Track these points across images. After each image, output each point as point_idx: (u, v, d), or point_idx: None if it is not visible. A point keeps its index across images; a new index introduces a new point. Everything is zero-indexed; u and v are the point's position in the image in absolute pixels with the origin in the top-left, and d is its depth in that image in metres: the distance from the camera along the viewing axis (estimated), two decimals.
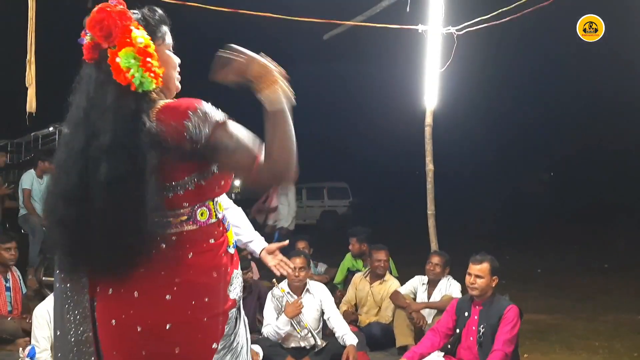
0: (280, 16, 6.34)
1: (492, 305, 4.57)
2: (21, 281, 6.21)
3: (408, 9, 6.67)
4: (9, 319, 5.78)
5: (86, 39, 1.86)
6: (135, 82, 1.81)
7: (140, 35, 1.85)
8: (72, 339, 1.93)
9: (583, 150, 28.35)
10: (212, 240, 1.97)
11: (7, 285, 5.97)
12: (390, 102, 24.84)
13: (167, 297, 1.85)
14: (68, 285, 1.95)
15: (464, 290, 5.21)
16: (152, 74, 1.85)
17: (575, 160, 28.75)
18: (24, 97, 5.13)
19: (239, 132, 1.88)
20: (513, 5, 6.07)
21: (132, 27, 1.84)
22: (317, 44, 8.36)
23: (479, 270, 4.59)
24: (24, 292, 6.20)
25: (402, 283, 6.13)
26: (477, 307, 4.63)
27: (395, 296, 5.79)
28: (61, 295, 1.97)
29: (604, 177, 24.94)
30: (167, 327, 1.86)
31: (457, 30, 6.64)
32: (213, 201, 1.99)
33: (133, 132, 1.79)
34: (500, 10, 6.23)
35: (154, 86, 1.86)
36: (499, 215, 19.94)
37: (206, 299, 1.91)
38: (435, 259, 5.80)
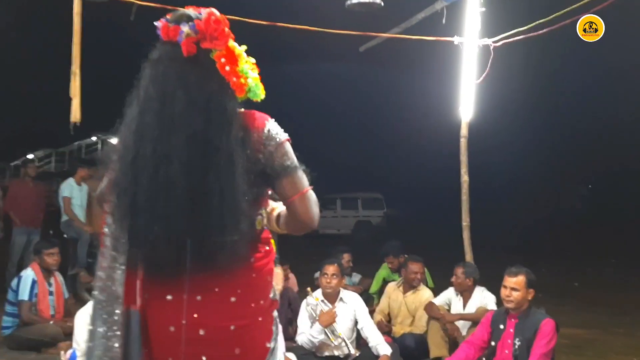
0: (316, 29, 6.40)
1: (528, 318, 4.52)
2: (64, 286, 6.36)
3: (444, 21, 6.68)
4: (51, 322, 5.93)
5: (185, 33, 1.86)
6: (251, 90, 1.92)
7: (243, 50, 1.95)
8: (99, 353, 1.92)
9: (623, 164, 27.75)
10: (267, 247, 2.06)
11: (50, 289, 6.12)
12: (426, 114, 24.73)
13: (232, 299, 1.92)
14: (103, 293, 1.95)
15: (499, 302, 5.18)
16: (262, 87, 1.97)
17: (615, 173, 28.17)
18: (68, 107, 5.29)
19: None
20: (550, 17, 6.04)
21: (231, 39, 1.92)
22: (353, 55, 8.41)
23: (515, 283, 4.54)
24: (66, 297, 6.36)
25: (436, 295, 6.12)
26: (512, 320, 4.59)
27: (429, 307, 5.78)
28: (95, 304, 2.00)
29: None
30: (231, 329, 1.92)
31: (493, 42, 6.64)
32: (265, 210, 2.08)
33: (234, 132, 1.85)
34: (537, 22, 6.19)
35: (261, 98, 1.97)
36: (535, 228, 19.66)
37: (261, 302, 2.00)
38: (457, 271, 5.80)
